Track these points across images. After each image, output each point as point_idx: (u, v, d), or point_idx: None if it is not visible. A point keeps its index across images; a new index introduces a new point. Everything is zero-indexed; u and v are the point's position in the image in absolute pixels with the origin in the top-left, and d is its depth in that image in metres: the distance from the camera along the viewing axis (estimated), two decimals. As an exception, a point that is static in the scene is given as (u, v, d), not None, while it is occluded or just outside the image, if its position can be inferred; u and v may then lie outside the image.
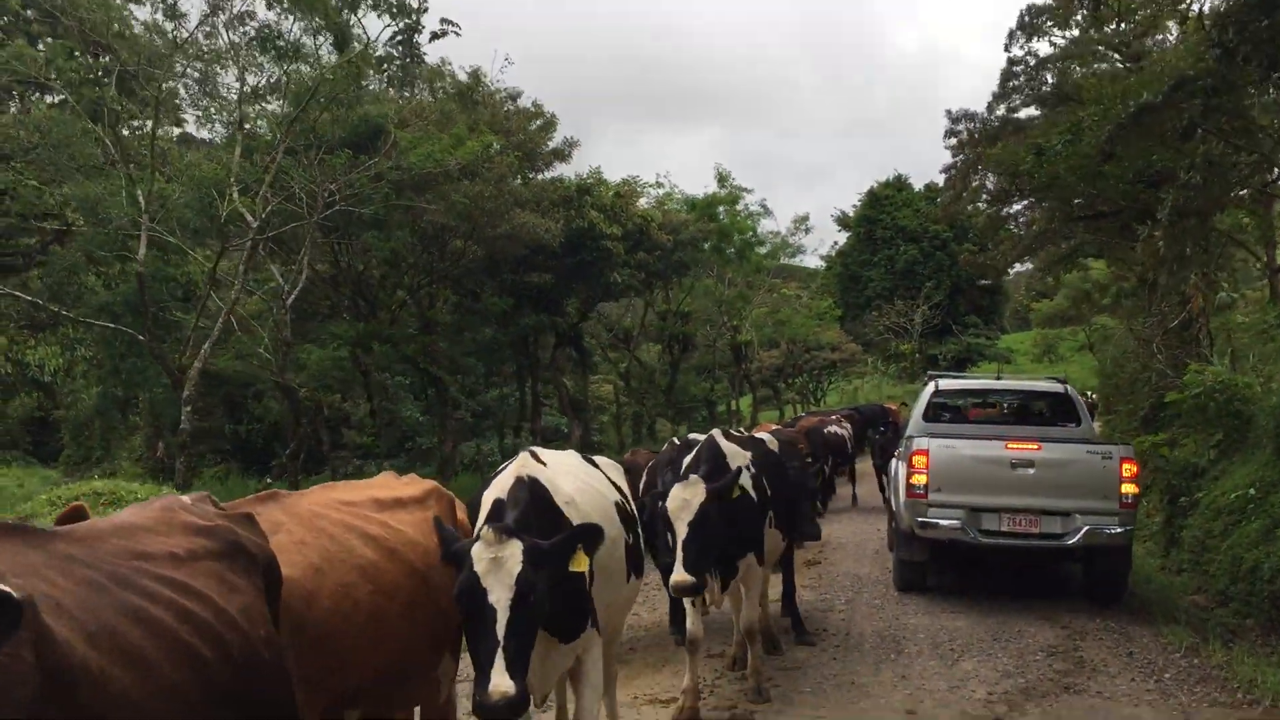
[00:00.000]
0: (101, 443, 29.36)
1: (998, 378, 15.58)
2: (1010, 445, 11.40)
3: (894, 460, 14.59)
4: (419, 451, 28.75)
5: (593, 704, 5.12)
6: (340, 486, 4.90)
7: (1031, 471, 11.24)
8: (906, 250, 60.64)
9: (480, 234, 20.49)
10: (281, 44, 16.67)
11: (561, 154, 25.20)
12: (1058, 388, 13.56)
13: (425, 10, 28.91)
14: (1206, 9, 23.82)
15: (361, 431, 30.63)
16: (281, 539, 4.24)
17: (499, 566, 4.13)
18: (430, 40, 29.60)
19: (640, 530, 6.21)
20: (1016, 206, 32.66)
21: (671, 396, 37.67)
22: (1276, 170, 18.07)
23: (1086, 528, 11.03)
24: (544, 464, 5.19)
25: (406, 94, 24.06)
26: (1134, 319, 23.93)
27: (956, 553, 12.25)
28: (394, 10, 29.86)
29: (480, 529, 4.51)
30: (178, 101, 17.74)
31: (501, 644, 3.98)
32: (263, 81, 18.02)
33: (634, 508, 6.17)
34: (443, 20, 29.08)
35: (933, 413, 13.65)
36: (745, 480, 7.03)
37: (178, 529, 3.17)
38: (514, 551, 4.18)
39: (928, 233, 60.75)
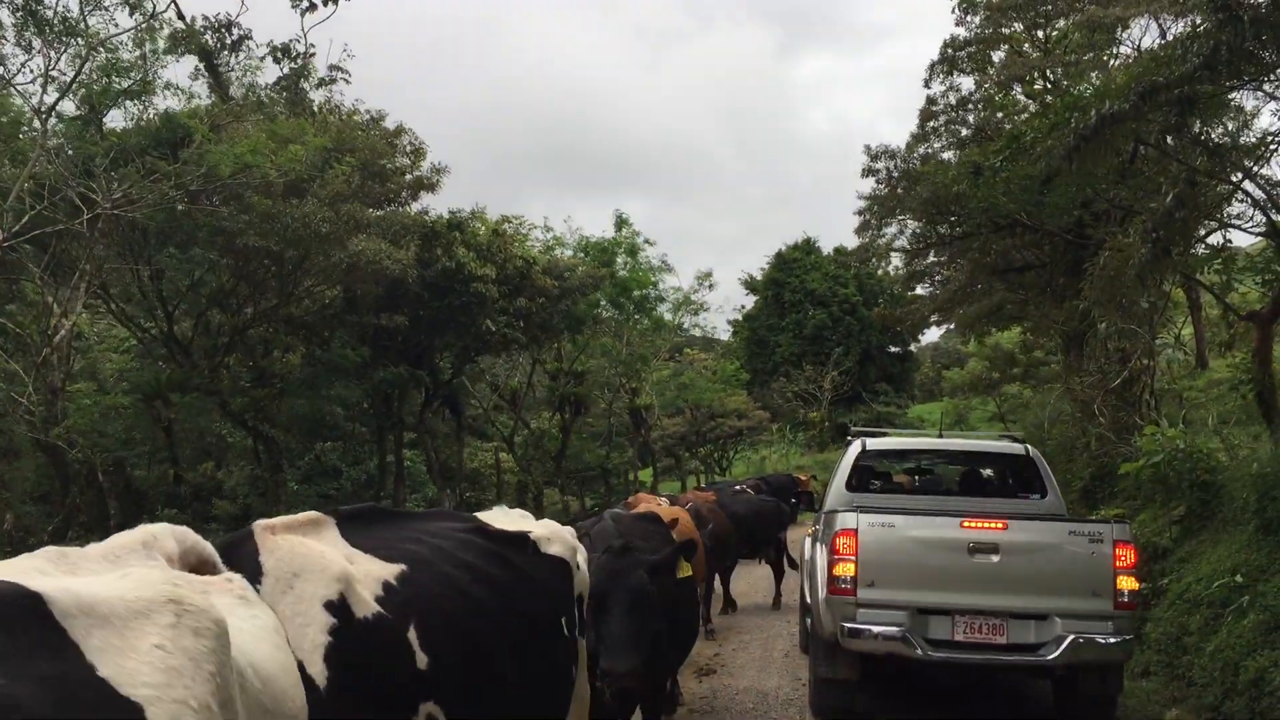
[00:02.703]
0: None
1: (940, 435, 12.63)
2: (967, 524, 8.39)
3: (808, 541, 11.52)
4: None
5: None
6: None
7: (995, 559, 8.25)
8: (815, 315, 58.44)
9: (312, 264, 17.10)
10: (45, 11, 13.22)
11: (427, 184, 22.00)
12: (1017, 449, 10.63)
13: (313, 55, 26.47)
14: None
15: (233, 501, 27.05)
16: None
17: None
18: (318, 86, 27.16)
19: None
20: (933, 259, 30.55)
21: (563, 464, 34.31)
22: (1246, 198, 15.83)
23: (1071, 637, 8.05)
24: None
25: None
26: (1069, 379, 21.50)
27: (895, 667, 9.21)
28: (278, 55, 27.11)
29: None
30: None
31: None
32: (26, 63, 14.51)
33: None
34: (331, 67, 26.87)
35: (859, 479, 10.60)
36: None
37: None
38: None
39: (837, 297, 58.80)
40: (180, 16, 21.71)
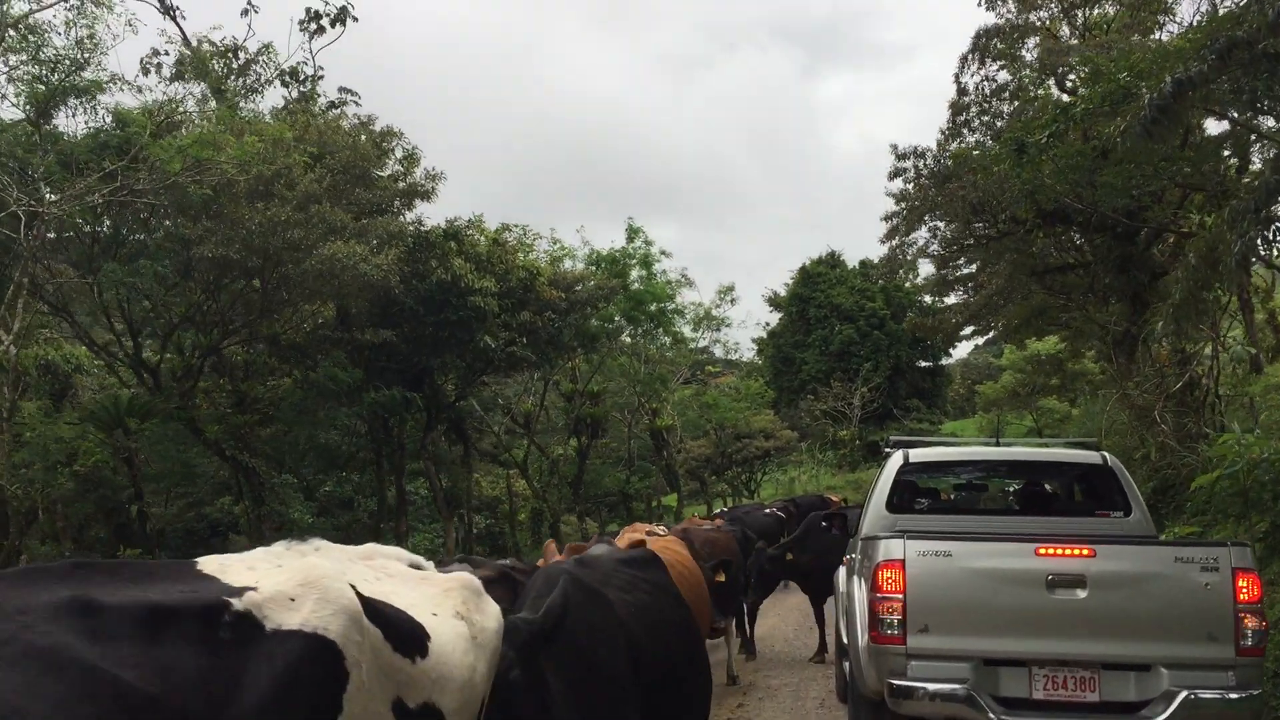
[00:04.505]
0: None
1: (997, 442, 10.72)
2: (1044, 550, 6.68)
3: (843, 573, 9.79)
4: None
5: None
6: None
7: (1082, 595, 6.54)
8: (842, 330, 56.58)
9: (286, 273, 15.52)
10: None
11: (421, 191, 20.46)
12: (1093, 458, 8.84)
13: (321, 78, 25.10)
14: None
15: (252, 537, 25.87)
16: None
17: None
18: (328, 109, 25.88)
19: None
20: (965, 268, 28.92)
21: (580, 489, 32.61)
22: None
23: (1183, 693, 6.32)
24: None
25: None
26: (1124, 384, 19.70)
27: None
28: (285, 79, 25.84)
29: None
30: None
31: None
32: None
33: None
34: (341, 89, 25.37)
35: (901, 498, 8.86)
36: None
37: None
38: None
39: (864, 311, 56.96)
40: (185, 42, 20.45)
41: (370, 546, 3.07)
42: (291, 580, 2.34)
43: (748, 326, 71.97)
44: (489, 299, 19.95)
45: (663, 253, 31.94)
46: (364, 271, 15.49)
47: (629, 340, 33.80)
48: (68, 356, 24.04)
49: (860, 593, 7.45)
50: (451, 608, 2.83)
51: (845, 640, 8.72)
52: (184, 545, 24.81)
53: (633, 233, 31.03)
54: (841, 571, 9.94)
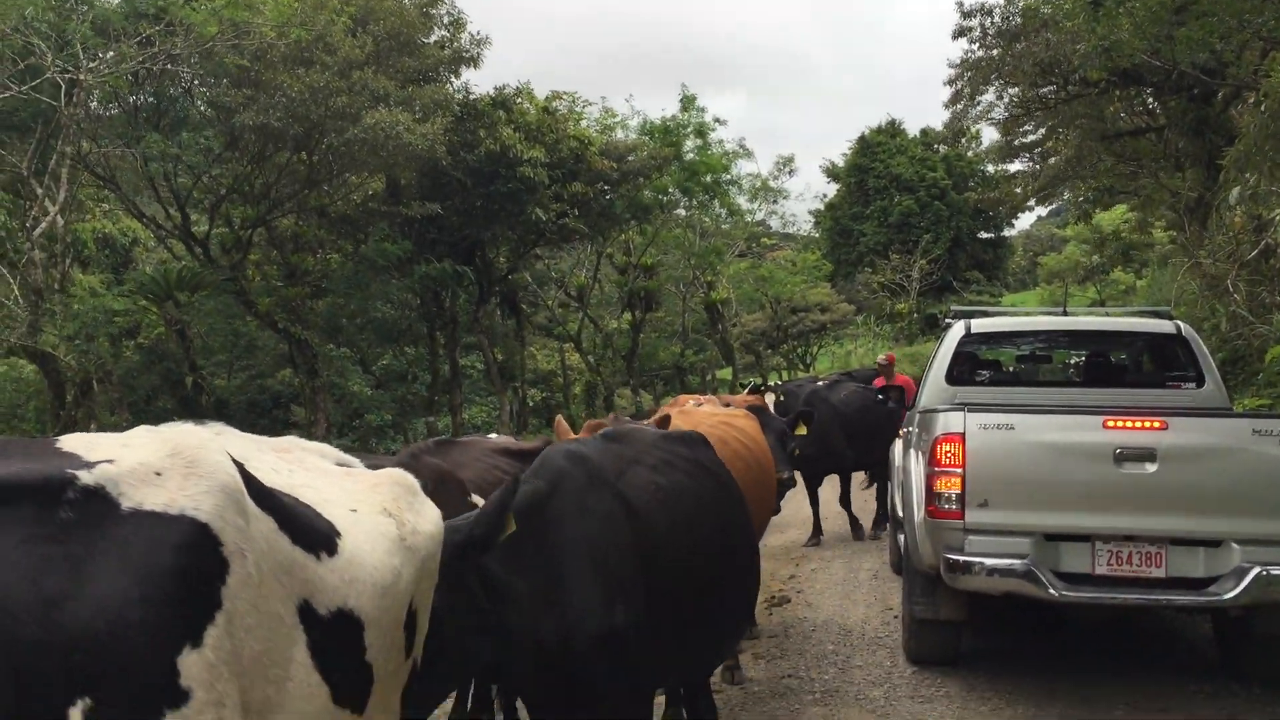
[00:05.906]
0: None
1: (1064, 312, 10.18)
2: (1112, 423, 6.35)
3: (899, 446, 9.54)
4: (370, 429, 25.52)
5: None
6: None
7: (1151, 469, 6.24)
8: (901, 201, 55.21)
9: (324, 142, 15.17)
10: None
11: (467, 57, 19.83)
12: (1165, 326, 8.42)
13: None
14: None
15: (308, 408, 26.47)
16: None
17: None
18: None
19: None
20: (1031, 136, 27.86)
21: (634, 363, 32.55)
22: None
23: (1256, 570, 6.05)
24: None
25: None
26: (1195, 253, 18.99)
27: (1014, 608, 7.26)
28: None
29: None
30: None
31: None
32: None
33: None
34: None
35: (962, 370, 8.54)
36: None
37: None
38: None
39: (924, 181, 55.47)
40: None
41: (290, 440, 2.73)
42: (159, 452, 1.95)
43: (805, 199, 70.79)
44: (539, 170, 19.52)
45: (717, 120, 31.06)
46: (409, 141, 15.00)
47: (684, 212, 33.25)
48: (124, 230, 24.11)
49: (917, 467, 7.20)
50: (377, 504, 2.48)
51: (900, 514, 8.52)
52: (247, 416, 25.34)
53: (687, 102, 30.13)
54: (897, 445, 9.70)
